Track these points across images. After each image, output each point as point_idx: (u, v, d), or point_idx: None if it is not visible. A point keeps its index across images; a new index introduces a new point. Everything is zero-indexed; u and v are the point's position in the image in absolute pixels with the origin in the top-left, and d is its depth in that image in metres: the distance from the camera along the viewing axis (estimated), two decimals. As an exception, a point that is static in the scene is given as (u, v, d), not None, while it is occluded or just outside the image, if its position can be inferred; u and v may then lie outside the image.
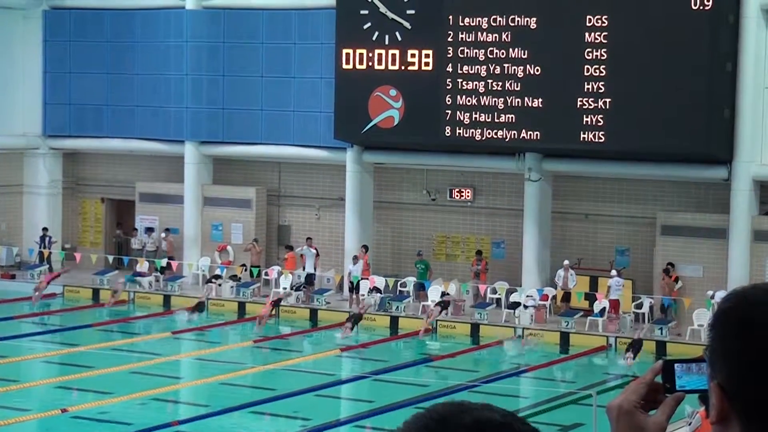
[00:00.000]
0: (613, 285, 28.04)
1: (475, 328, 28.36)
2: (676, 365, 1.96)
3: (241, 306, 30.37)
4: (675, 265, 28.01)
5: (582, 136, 27.92)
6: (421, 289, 30.23)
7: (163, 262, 32.46)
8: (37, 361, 23.10)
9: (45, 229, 34.16)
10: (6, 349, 23.80)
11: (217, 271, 31.91)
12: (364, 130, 30.47)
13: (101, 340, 24.91)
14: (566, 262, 29.15)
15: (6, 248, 33.94)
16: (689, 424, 13.19)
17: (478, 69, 28.75)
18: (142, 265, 32.50)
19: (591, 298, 28.27)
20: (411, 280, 30.47)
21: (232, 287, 31.21)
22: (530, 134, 28.57)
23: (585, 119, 27.86)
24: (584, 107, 27.87)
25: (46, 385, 21.59)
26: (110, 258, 33.17)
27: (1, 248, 33.85)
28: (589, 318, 27.79)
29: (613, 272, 28.21)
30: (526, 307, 28.45)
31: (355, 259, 30.27)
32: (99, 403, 20.34)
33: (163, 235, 33.44)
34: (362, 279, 30.22)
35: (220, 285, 31.28)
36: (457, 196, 31.77)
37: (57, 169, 35.49)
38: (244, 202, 33.24)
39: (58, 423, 19.25)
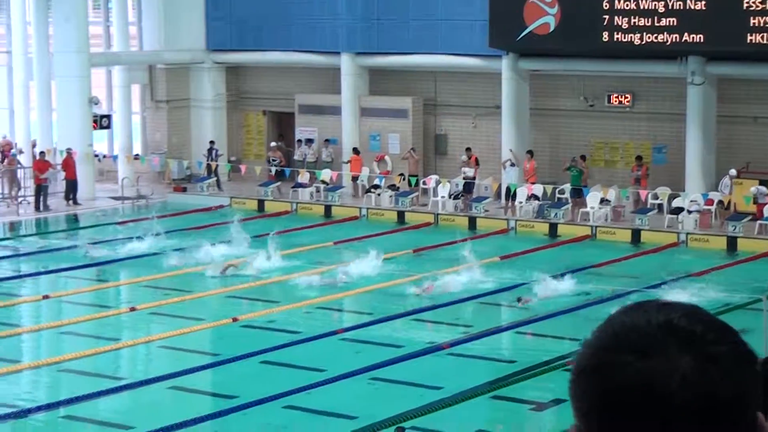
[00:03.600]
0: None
1: (635, 233, 28.15)
2: None
3: (400, 215, 30.83)
4: None
5: (749, 38, 27.24)
6: (578, 195, 30.11)
7: (325, 173, 33.10)
8: (207, 272, 23.95)
9: (212, 143, 35.20)
10: (180, 261, 24.78)
11: (376, 181, 32.40)
12: (520, 37, 30.24)
13: (266, 250, 25.63)
14: (732, 171, 28.55)
15: (176, 162, 35.14)
16: None
17: (636, -29, 28.16)
18: (303, 177, 33.22)
19: (759, 201, 27.65)
20: (568, 187, 30.37)
21: (390, 197, 31.66)
22: (693, 37, 27.96)
23: (752, 21, 27.16)
24: (751, 8, 27.15)
25: (216, 295, 22.45)
26: (272, 170, 34.02)
27: (172, 162, 35.06)
28: (758, 222, 27.24)
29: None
30: (689, 212, 28.05)
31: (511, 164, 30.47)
32: (266, 312, 21.10)
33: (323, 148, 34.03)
34: (520, 186, 30.34)
35: (378, 195, 31.78)
36: (615, 101, 31.36)
37: (221, 83, 36.40)
38: (401, 111, 33.51)
39: (230, 331, 20.08)
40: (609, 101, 31.44)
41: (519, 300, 21.32)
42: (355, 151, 33.34)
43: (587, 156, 31.15)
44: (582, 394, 1.59)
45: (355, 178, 32.99)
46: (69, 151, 32.24)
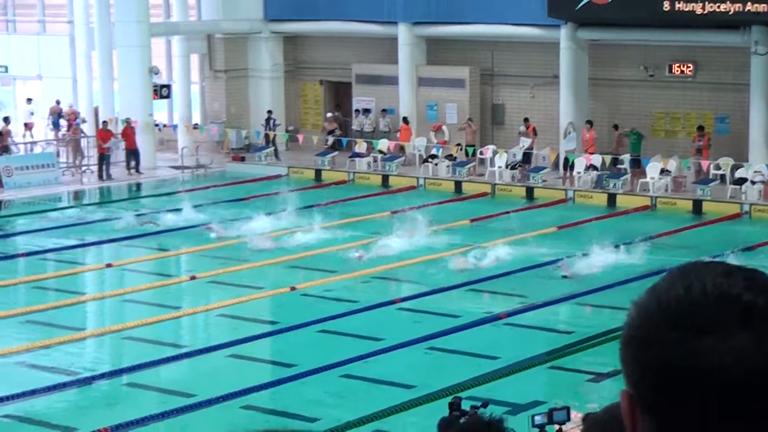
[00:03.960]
0: None
1: (697, 204, 27.92)
2: None
3: (458, 185, 30.83)
4: None
5: (813, 6, 26.84)
6: (637, 165, 29.89)
7: (382, 143, 33.17)
8: (266, 241, 24.14)
9: (269, 112, 35.40)
10: (237, 231, 25.02)
11: (433, 151, 32.41)
12: (579, 6, 30.00)
13: (323, 220, 25.85)
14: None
15: (235, 131, 35.40)
16: None
17: (699, -62, 27.78)
18: (360, 146, 33.31)
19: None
20: (627, 158, 30.16)
21: (448, 167, 31.66)
22: (756, 7, 27.57)
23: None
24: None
25: (276, 264, 22.64)
26: (330, 140, 34.14)
27: (231, 131, 35.33)
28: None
29: None
30: (753, 182, 27.75)
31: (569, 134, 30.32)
32: (324, 281, 21.26)
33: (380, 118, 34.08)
34: (578, 156, 30.20)
35: (436, 164, 31.79)
36: (677, 71, 31.03)
37: (278, 52, 36.53)
38: (458, 81, 33.44)
39: (289, 300, 20.28)
40: (670, 71, 31.13)
41: (565, 276, 21.24)
42: (405, 120, 33.39)
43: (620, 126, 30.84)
44: (631, 365, 1.51)
45: (403, 148, 33.03)
46: (128, 121, 32.59)
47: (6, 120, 34.14)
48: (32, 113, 36.62)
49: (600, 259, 21.98)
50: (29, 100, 37.14)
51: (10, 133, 33.96)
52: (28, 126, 35.65)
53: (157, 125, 34.41)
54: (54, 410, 14.80)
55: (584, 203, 28.90)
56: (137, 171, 32.70)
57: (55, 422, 14.33)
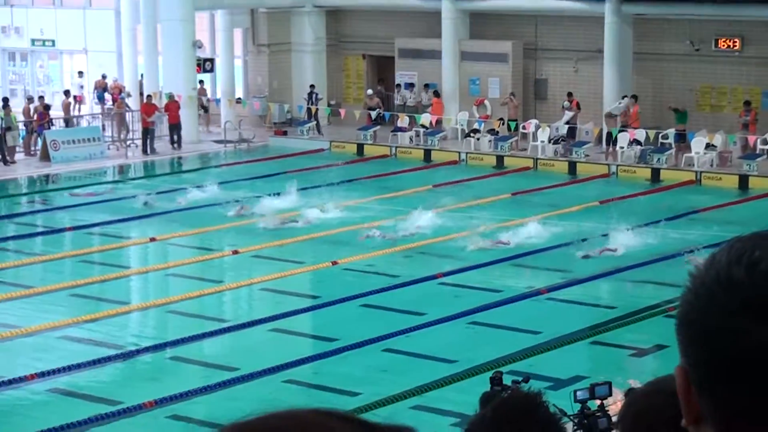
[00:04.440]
0: None
1: (743, 179, 27.65)
2: None
3: (499, 159, 30.74)
4: None
5: None
6: (682, 140, 29.64)
7: (424, 117, 33.11)
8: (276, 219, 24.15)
9: (312, 86, 35.43)
10: (281, 204, 25.12)
11: (475, 126, 32.32)
12: (624, -21, 29.70)
13: (365, 194, 25.86)
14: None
15: (277, 105, 35.49)
16: None
17: None
18: (403, 120, 33.27)
19: None
20: (672, 132, 29.92)
21: (490, 141, 31.56)
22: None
23: None
24: None
25: (317, 238, 22.70)
26: (372, 114, 34.14)
27: (273, 105, 35.42)
28: None
29: None
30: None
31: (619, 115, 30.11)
32: (366, 255, 21.29)
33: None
34: (621, 131, 30.01)
35: (478, 139, 31.70)
36: (723, 45, 30.68)
37: (321, 26, 36.51)
38: (501, 56, 33.27)
39: (330, 274, 20.35)
40: (716, 45, 30.78)
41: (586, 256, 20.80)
42: (436, 94, 33.31)
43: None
44: (687, 345, 1.38)
45: (439, 122, 32.88)
46: (171, 96, 32.76)
47: (66, 93, 34.66)
48: (81, 86, 36.96)
49: (642, 233, 21.84)
50: (81, 74, 37.47)
51: (70, 104, 34.34)
52: (78, 99, 36.06)
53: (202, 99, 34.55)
54: (98, 383, 14.97)
55: (627, 178, 28.73)
56: (178, 146, 32.89)
57: (100, 395, 14.50)
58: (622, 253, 21.06)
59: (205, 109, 35.42)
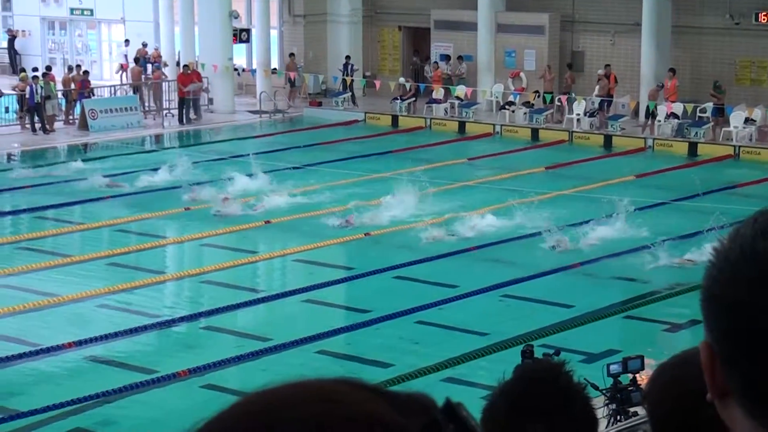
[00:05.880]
0: None
1: (781, 154, 27.44)
2: None
3: (534, 132, 30.62)
4: None
5: None
6: (720, 114, 29.39)
7: (459, 89, 32.99)
8: (340, 187, 24.25)
9: (347, 57, 35.37)
10: (314, 176, 25.19)
11: (511, 98, 32.18)
12: (663, -50, 29.41)
13: (398, 166, 25.86)
14: None
15: (312, 76, 35.48)
16: None
17: None
18: (438, 93, 33.19)
19: None
20: (710, 106, 29.67)
21: (525, 114, 31.44)
22: None
23: None
24: None
25: (349, 209, 22.68)
26: (408, 85, 34.05)
27: (308, 76, 35.42)
28: None
29: None
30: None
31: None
32: (398, 228, 21.28)
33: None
34: (659, 105, 29.80)
35: (513, 111, 31.59)
36: (764, 19, 30.34)
37: (357, -3, 36.44)
38: (537, 28, 33.07)
39: (362, 245, 20.38)
40: (757, 19, 30.45)
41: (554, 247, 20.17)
42: (435, 66, 33.30)
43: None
44: (712, 321, 1.35)
45: (460, 98, 32.61)
46: (187, 66, 32.75)
47: (136, 60, 34.84)
48: (125, 55, 37.14)
49: (675, 207, 21.71)
50: (127, 42, 37.62)
51: (140, 71, 34.52)
52: (123, 67, 36.29)
53: (236, 69, 34.62)
54: (134, 352, 15.13)
55: (664, 152, 28.55)
56: (197, 117, 32.94)
57: (135, 364, 14.65)
58: (642, 224, 20.88)
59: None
